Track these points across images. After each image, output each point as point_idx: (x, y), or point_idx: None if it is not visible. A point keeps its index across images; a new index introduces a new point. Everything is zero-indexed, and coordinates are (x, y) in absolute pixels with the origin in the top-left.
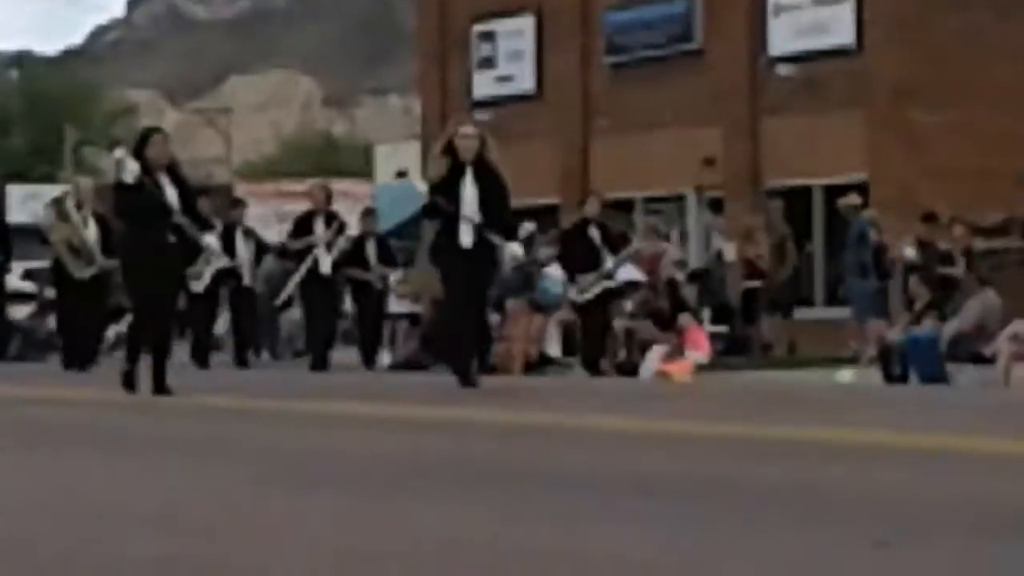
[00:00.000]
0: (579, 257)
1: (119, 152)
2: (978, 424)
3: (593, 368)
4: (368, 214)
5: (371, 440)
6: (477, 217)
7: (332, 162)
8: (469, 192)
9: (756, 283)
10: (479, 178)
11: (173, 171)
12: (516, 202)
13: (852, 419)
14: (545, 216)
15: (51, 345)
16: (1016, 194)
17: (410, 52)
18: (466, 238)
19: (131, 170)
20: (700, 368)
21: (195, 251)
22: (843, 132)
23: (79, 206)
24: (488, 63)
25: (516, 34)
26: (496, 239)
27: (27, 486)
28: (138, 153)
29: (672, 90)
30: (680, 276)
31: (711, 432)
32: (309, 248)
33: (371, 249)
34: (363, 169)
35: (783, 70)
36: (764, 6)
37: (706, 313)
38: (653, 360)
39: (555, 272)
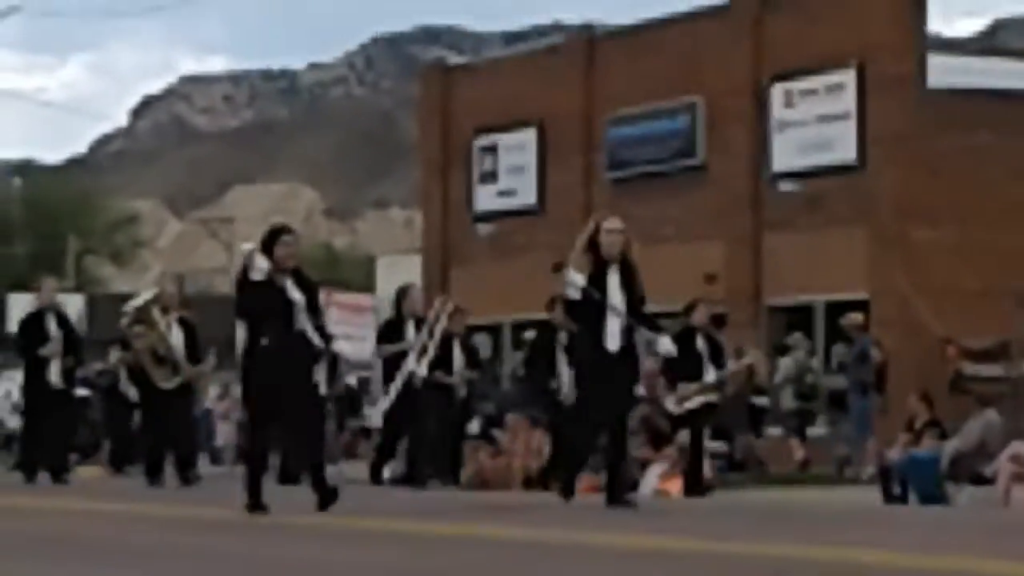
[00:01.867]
0: (682, 366)
1: (247, 246)
2: (978, 545)
3: (695, 487)
4: (458, 312)
5: (366, 554)
6: (624, 315)
7: (334, 274)
8: (614, 290)
9: (760, 399)
10: (623, 275)
11: (299, 275)
12: (515, 316)
13: (851, 538)
14: (548, 331)
15: None
16: (1017, 315)
17: (412, 165)
18: (612, 342)
19: (260, 267)
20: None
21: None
22: (845, 249)
23: (164, 311)
24: (490, 177)
25: (518, 148)
26: (647, 334)
27: None
28: (266, 251)
29: (674, 205)
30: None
31: (711, 550)
32: (403, 354)
33: (456, 352)
34: (364, 281)
35: (785, 186)
36: (767, 122)
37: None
38: (652, 477)
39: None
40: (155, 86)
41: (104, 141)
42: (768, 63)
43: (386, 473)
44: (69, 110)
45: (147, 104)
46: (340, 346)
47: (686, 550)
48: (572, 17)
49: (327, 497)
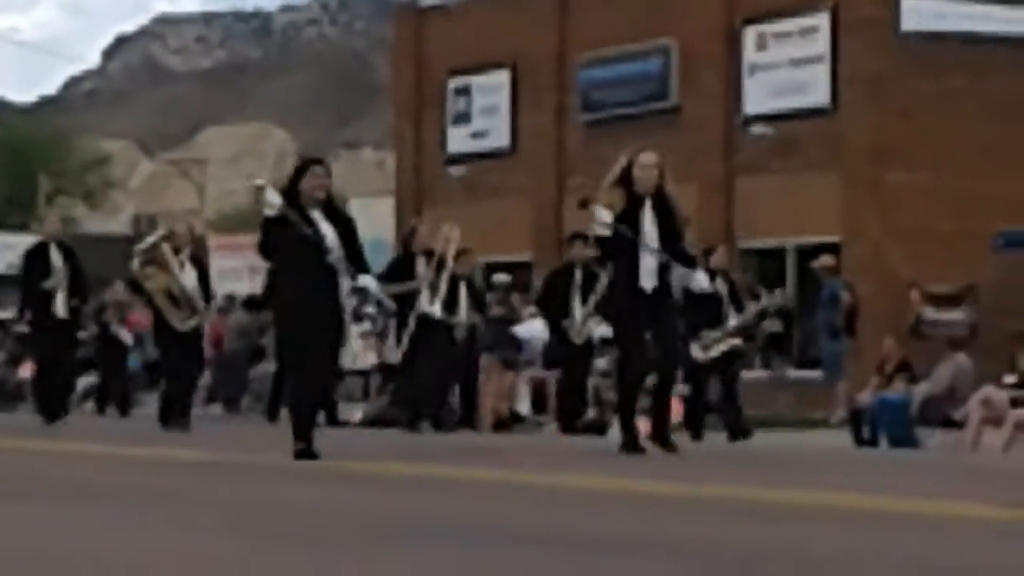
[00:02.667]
0: (704, 311)
1: (258, 182)
2: (944, 488)
3: (738, 433)
4: (464, 254)
5: (345, 497)
6: (659, 252)
7: None
8: (649, 226)
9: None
10: (658, 210)
11: (330, 207)
12: (488, 258)
13: (822, 481)
14: (518, 272)
15: (20, 396)
16: (989, 258)
17: (384, 106)
18: (648, 280)
19: (271, 203)
20: (673, 429)
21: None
22: (818, 192)
23: (176, 251)
24: (463, 118)
25: (491, 89)
26: (681, 270)
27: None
28: (293, 184)
29: (647, 148)
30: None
31: (684, 493)
32: (413, 292)
33: (463, 293)
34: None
35: (758, 129)
36: (740, 65)
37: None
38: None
39: (531, 328)
40: (128, 26)
41: (76, 81)
42: (741, 6)
43: (357, 415)
44: (41, 50)
45: (119, 44)
46: (367, 281)
47: (657, 494)
48: None
49: (303, 453)
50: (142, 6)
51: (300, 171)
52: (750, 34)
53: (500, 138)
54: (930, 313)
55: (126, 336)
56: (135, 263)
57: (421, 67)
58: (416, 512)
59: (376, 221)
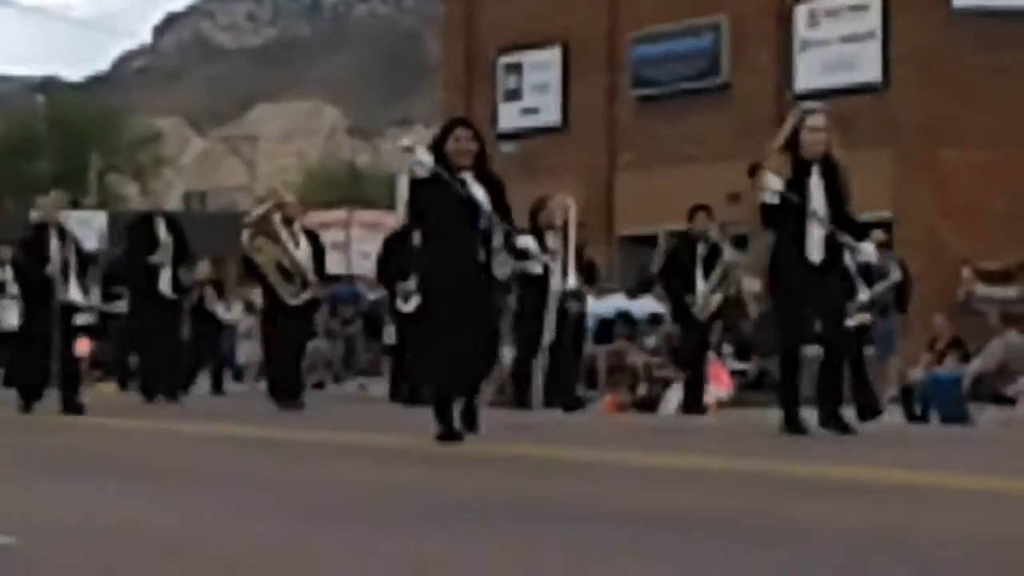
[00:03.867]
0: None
1: (406, 141)
2: (997, 464)
3: (868, 411)
4: (581, 226)
5: (381, 472)
6: (827, 222)
7: (356, 192)
8: (816, 194)
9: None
10: (826, 177)
11: (481, 169)
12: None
13: (872, 458)
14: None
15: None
16: None
17: (435, 83)
18: (815, 252)
19: (421, 162)
20: (722, 405)
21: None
22: (869, 169)
23: (288, 223)
24: (514, 95)
25: (542, 66)
26: (847, 240)
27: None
28: (438, 146)
29: (698, 124)
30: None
31: (732, 468)
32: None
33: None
34: (387, 199)
35: (810, 106)
36: (791, 41)
37: (728, 349)
38: (674, 396)
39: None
40: (179, 3)
41: (127, 58)
42: None
43: (380, 390)
44: (93, 27)
45: (170, 21)
46: (525, 241)
47: (704, 469)
48: None
49: (473, 422)
50: None
51: (444, 133)
52: (801, 11)
53: (551, 115)
54: (982, 290)
55: (223, 312)
56: (245, 235)
57: (472, 44)
58: (465, 489)
59: None
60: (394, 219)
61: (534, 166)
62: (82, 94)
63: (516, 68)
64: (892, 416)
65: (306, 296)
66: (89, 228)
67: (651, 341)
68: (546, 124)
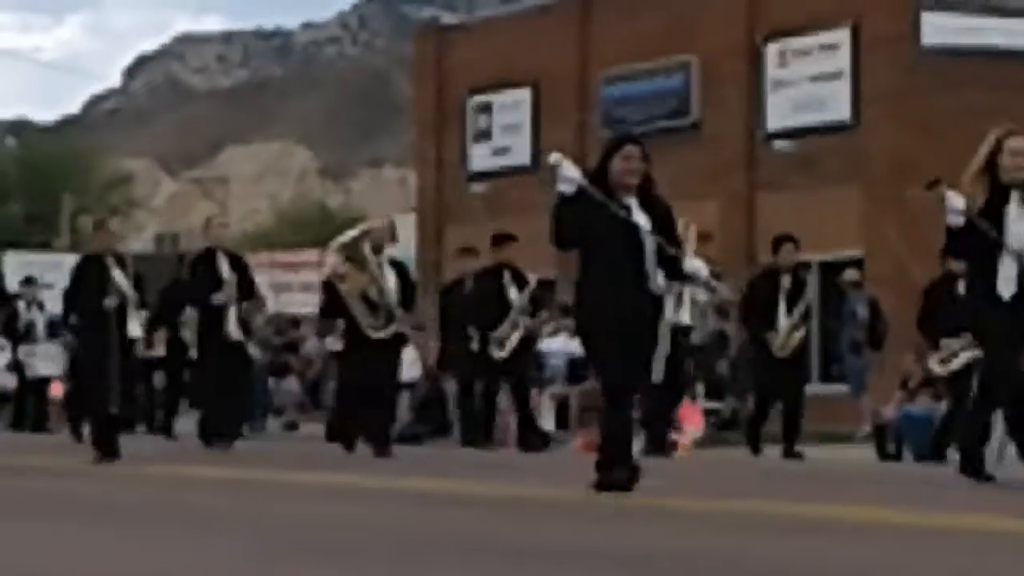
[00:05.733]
0: (945, 319)
1: (553, 157)
2: (971, 502)
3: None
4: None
5: (374, 513)
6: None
7: (328, 233)
8: (1014, 224)
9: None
10: None
11: (646, 193)
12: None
13: (846, 496)
14: (541, 289)
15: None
16: None
17: (406, 124)
18: (1006, 286)
19: (568, 178)
20: (695, 444)
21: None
22: (840, 208)
23: (376, 250)
24: (484, 135)
25: (513, 106)
26: None
27: None
28: (601, 166)
29: (669, 164)
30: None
31: (707, 508)
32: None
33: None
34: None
35: (780, 145)
36: (761, 82)
37: (700, 388)
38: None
39: (555, 345)
40: (149, 45)
41: (98, 100)
42: (762, 22)
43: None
44: (64, 69)
45: (141, 63)
46: (696, 265)
47: (682, 509)
48: None
49: (635, 475)
50: (163, 25)
51: (610, 151)
52: (771, 50)
53: (522, 155)
54: None
55: (254, 351)
56: (331, 260)
57: (442, 85)
58: (444, 527)
59: (399, 238)
60: None
61: (505, 206)
62: (53, 136)
63: (486, 108)
64: (866, 454)
65: (391, 330)
66: (61, 271)
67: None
68: (517, 164)
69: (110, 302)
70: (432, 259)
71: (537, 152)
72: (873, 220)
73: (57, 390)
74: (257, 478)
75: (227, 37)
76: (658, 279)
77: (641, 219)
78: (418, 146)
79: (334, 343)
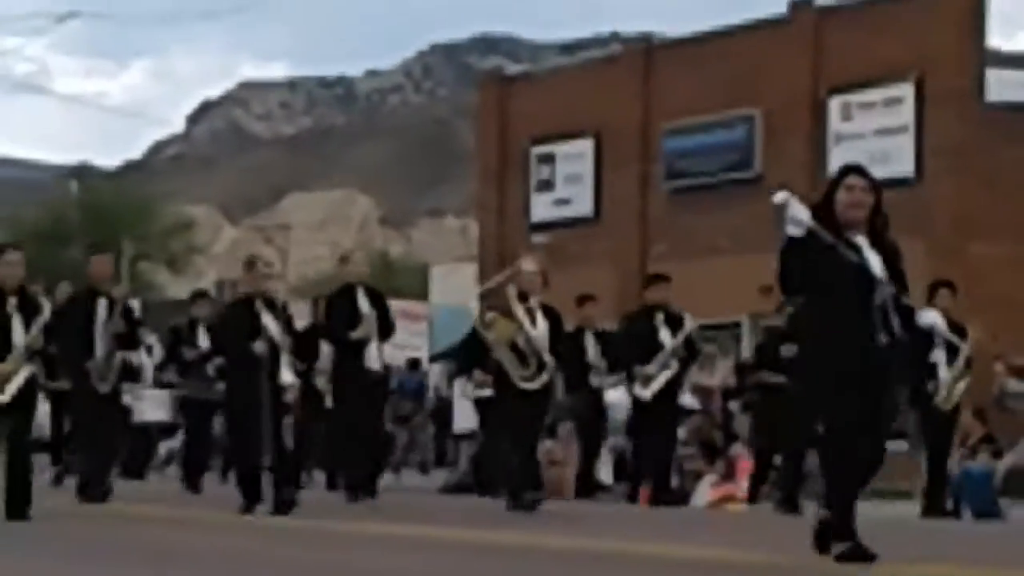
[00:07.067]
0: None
1: (780, 196)
2: None
3: None
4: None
5: (430, 562)
6: None
7: (389, 282)
8: None
9: None
10: None
11: (876, 229)
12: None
13: (903, 553)
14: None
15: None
16: None
17: (468, 173)
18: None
19: (796, 219)
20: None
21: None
22: (904, 262)
23: (523, 297)
24: (546, 185)
25: (575, 157)
26: None
27: None
28: (827, 201)
29: (730, 216)
30: (734, 406)
31: (764, 562)
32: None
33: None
34: (419, 289)
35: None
36: (824, 135)
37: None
38: (705, 489)
39: (616, 397)
40: (213, 91)
41: (161, 146)
42: (826, 76)
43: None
44: (127, 114)
45: (204, 109)
46: (932, 317)
47: (730, 561)
48: (630, 27)
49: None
50: (227, 71)
51: (834, 183)
52: (835, 104)
53: (584, 206)
54: (1014, 385)
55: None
56: (476, 308)
57: (505, 135)
58: None
59: (459, 288)
60: (426, 309)
61: (566, 257)
62: (115, 181)
63: (549, 158)
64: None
65: (542, 379)
66: None
67: (682, 432)
68: (578, 215)
69: (260, 347)
70: (493, 309)
71: (599, 202)
72: (936, 274)
73: None
74: (407, 533)
75: (291, 84)
76: (894, 327)
77: (873, 259)
78: (480, 195)
79: (471, 392)
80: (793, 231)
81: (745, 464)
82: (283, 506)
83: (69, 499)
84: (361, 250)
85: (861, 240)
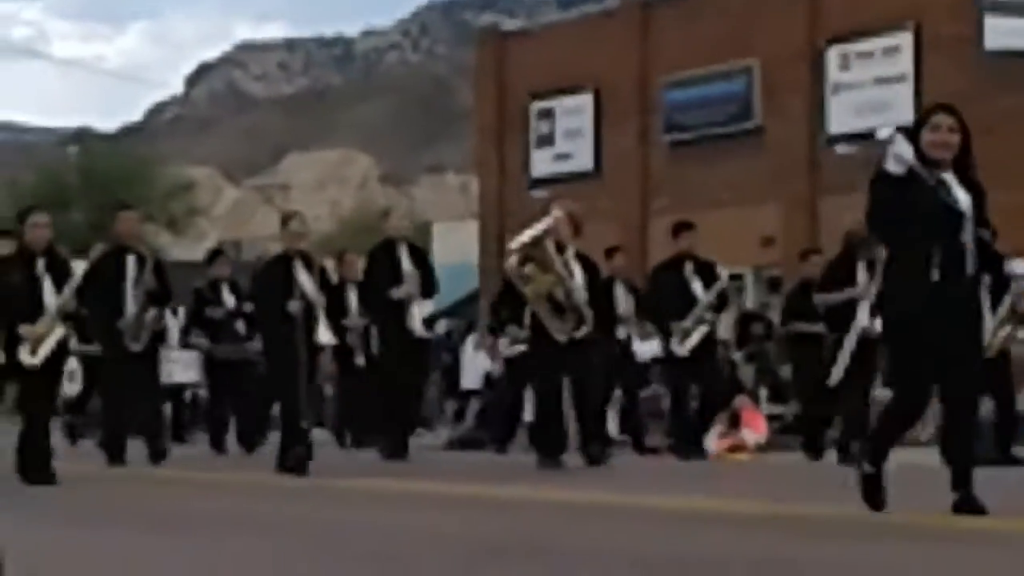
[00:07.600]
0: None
1: (886, 131)
2: None
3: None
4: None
5: (432, 519)
6: None
7: None
8: None
9: None
10: None
11: (961, 170)
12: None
13: (908, 500)
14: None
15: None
16: None
17: (467, 130)
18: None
19: (900, 157)
20: (759, 449)
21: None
22: None
23: (560, 248)
24: (546, 141)
25: (575, 112)
26: None
27: None
28: (912, 139)
29: (731, 169)
30: (737, 356)
31: (760, 512)
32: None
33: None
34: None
35: (842, 149)
36: (823, 85)
37: (763, 393)
38: (712, 439)
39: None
40: (211, 53)
41: (159, 109)
42: (824, 26)
43: (441, 437)
44: (125, 78)
45: (202, 71)
46: (1018, 266)
47: (734, 512)
48: None
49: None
50: (225, 33)
51: (919, 122)
52: (833, 54)
53: (584, 161)
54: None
55: (360, 358)
56: (511, 261)
57: (504, 91)
58: (498, 533)
59: (460, 245)
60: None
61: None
62: (115, 145)
63: (548, 114)
64: (931, 457)
65: (583, 332)
66: None
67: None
68: (579, 170)
69: (294, 306)
70: (493, 265)
71: (599, 157)
72: None
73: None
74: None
75: (288, 45)
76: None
77: (961, 196)
78: (480, 152)
79: (506, 347)
80: (895, 168)
81: (751, 416)
82: (299, 465)
83: (93, 463)
84: (400, 213)
85: (949, 178)
